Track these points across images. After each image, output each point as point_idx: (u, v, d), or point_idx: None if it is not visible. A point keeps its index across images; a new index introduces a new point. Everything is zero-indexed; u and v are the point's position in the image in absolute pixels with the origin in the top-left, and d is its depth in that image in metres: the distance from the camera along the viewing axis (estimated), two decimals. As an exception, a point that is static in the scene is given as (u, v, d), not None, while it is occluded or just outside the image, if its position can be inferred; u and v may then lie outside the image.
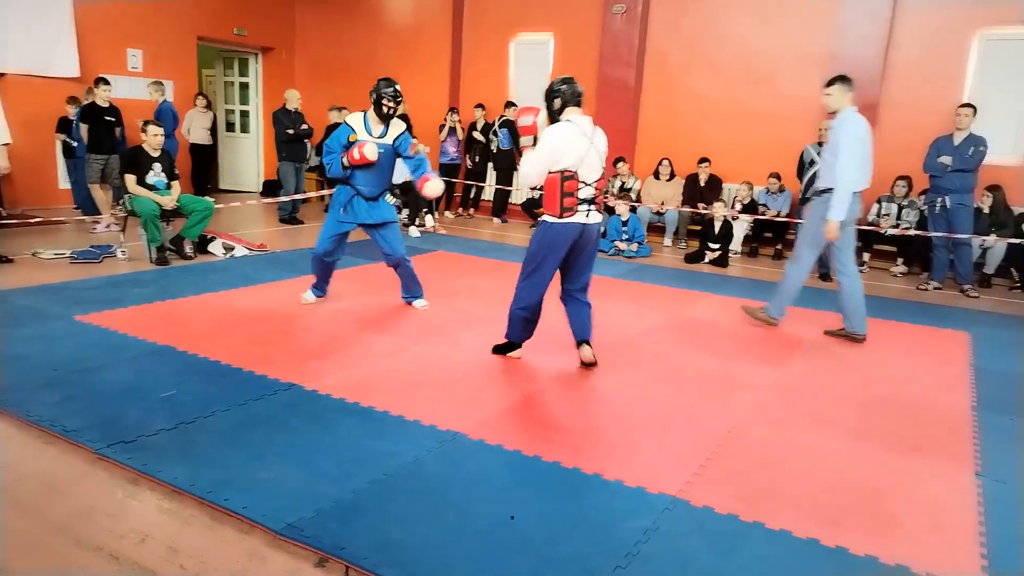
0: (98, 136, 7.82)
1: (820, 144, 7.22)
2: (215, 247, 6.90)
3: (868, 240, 8.06)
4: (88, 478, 2.70)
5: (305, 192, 9.64)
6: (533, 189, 9.92)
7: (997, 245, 7.29)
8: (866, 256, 8.18)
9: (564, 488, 2.77)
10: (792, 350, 4.80)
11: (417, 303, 5.34)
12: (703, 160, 8.88)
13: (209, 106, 11.00)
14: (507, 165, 10.37)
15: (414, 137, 5.40)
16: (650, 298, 6.09)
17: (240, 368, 3.84)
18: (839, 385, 4.16)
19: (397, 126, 4.97)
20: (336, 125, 10.25)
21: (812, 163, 7.22)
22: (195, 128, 10.51)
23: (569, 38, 10.19)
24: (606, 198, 9.03)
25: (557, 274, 4.06)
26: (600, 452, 3.08)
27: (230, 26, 11.31)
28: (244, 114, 12.41)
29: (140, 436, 2.98)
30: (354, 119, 4.97)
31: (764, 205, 8.50)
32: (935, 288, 7.17)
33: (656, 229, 9.23)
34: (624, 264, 7.77)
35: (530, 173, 3.84)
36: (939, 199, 6.98)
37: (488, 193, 10.81)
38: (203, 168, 10.93)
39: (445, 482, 2.76)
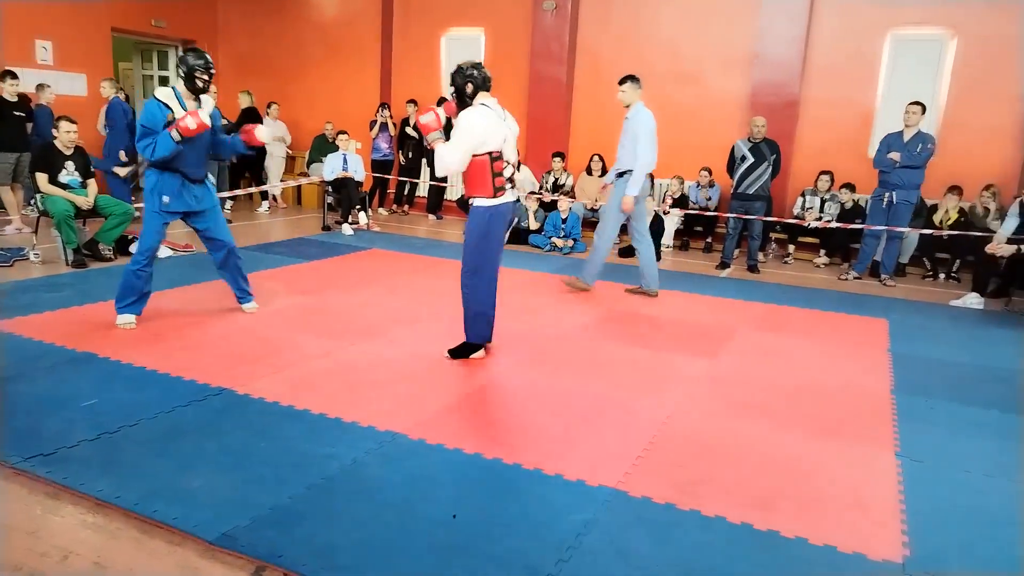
0: (7, 133, 7.39)
1: (750, 140, 7.43)
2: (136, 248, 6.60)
3: (793, 233, 8.38)
4: (4, 495, 2.55)
5: (232, 191, 9.33)
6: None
7: (911, 235, 7.68)
8: (791, 248, 8.50)
9: (506, 485, 2.77)
10: (721, 341, 4.94)
11: (247, 306, 4.94)
12: (634, 156, 9.03)
13: (127, 99, 10.52)
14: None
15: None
16: (583, 293, 6.16)
17: (167, 374, 3.69)
18: (766, 373, 4.31)
19: (208, 102, 4.58)
20: (250, 110, 10.04)
21: (743, 159, 7.43)
22: None
23: (500, 34, 10.19)
24: (541, 194, 9.10)
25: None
26: (540, 447, 3.10)
27: (147, 17, 10.85)
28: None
29: (60, 448, 2.83)
30: (165, 95, 4.43)
31: (695, 202, 8.71)
32: (855, 278, 7.50)
33: (590, 224, 9.33)
34: (559, 260, 7.84)
35: (453, 161, 3.81)
36: (886, 194, 7.17)
37: (422, 189, 10.72)
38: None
39: (385, 483, 2.72)
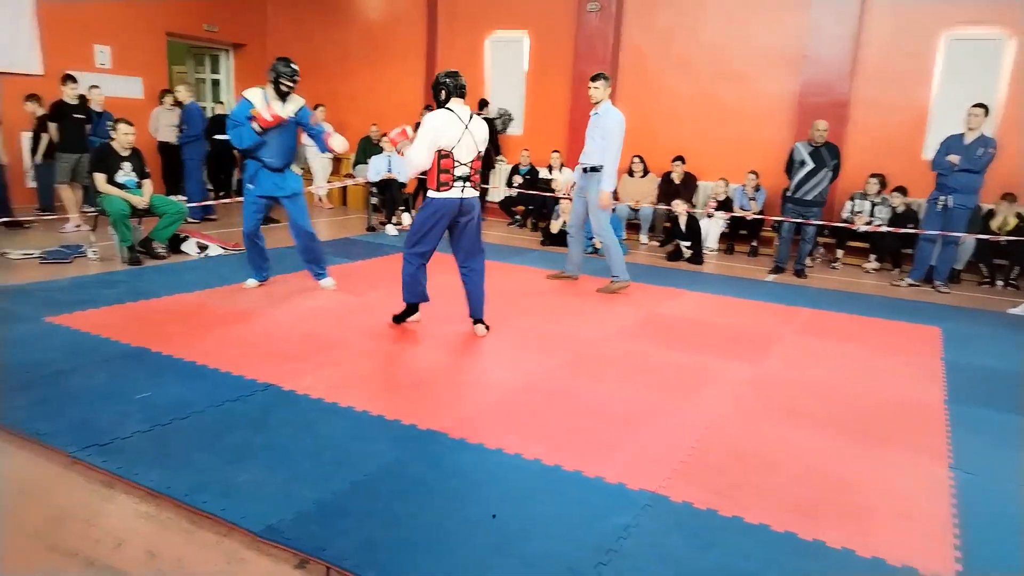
0: (68, 135, 7.67)
1: (811, 143, 7.27)
2: (188, 246, 6.80)
3: (841, 237, 8.19)
4: (62, 482, 2.65)
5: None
6: (509, 187, 9.94)
7: (967, 241, 7.44)
8: (839, 253, 8.31)
9: (545, 486, 2.77)
10: (765, 346, 4.86)
11: (323, 282, 5.63)
12: (677, 158, 8.94)
13: (178, 104, 10.83)
14: (484, 163, 10.34)
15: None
16: (625, 295, 6.12)
17: (216, 369, 3.79)
18: (812, 380, 4.22)
19: (295, 101, 5.30)
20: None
21: (803, 163, 7.27)
22: (162, 127, 10.32)
23: (544, 36, 10.20)
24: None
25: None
26: (580, 450, 3.09)
27: (200, 22, 11.15)
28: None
29: (115, 439, 2.93)
30: (253, 95, 5.19)
31: (740, 207, 8.57)
32: (910, 285, 7.29)
33: (632, 226, 9.28)
34: (600, 261, 7.79)
35: (418, 157, 4.24)
36: (943, 198, 6.95)
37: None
38: (173, 167, 10.74)
39: (426, 482, 2.75)
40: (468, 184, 4.37)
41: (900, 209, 7.89)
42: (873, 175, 8.03)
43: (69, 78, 7.81)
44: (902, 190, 7.94)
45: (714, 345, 4.81)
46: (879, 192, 8.02)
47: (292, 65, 5.21)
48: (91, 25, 9.69)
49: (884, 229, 7.71)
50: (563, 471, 2.88)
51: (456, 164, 4.27)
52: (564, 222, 8.60)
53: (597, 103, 6.08)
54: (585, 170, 6.20)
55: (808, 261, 7.92)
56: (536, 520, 2.51)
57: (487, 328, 4.71)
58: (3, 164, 7.45)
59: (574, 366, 4.20)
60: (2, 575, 2.12)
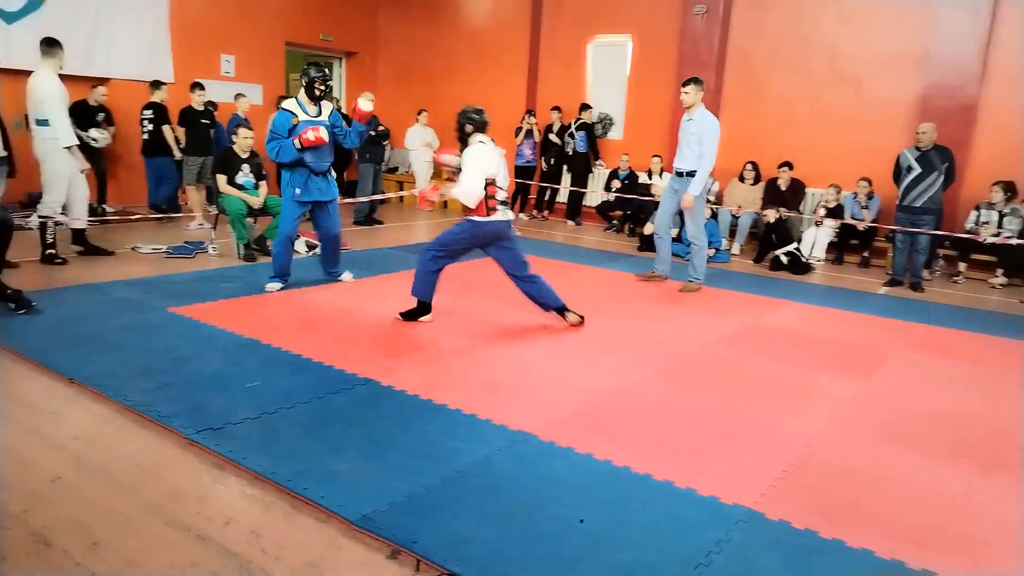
0: (195, 138, 8.23)
1: (917, 148, 6.89)
2: (299, 245, 7.14)
3: (965, 249, 7.64)
4: (179, 461, 2.85)
5: (384, 192, 9.86)
6: (607, 192, 9.87)
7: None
8: (962, 266, 7.76)
9: (635, 494, 2.74)
10: (874, 362, 4.60)
11: (343, 277, 5.93)
12: (784, 164, 8.61)
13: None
14: (582, 168, 10.35)
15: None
16: (726, 304, 5.95)
17: (320, 362, 3.97)
18: (925, 400, 3.97)
19: (327, 105, 5.55)
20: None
21: (910, 169, 6.90)
22: None
23: (648, 40, 10.08)
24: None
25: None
26: (672, 459, 3.04)
27: (316, 31, 11.69)
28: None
29: (227, 424, 3.12)
30: (290, 104, 5.46)
31: (852, 215, 8.16)
32: (1041, 301, 6.74)
33: (731, 234, 9.00)
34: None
35: (475, 188, 4.49)
36: None
37: (562, 195, 10.79)
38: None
39: (515, 482, 2.77)
40: (506, 207, 4.71)
41: (1033, 220, 7.29)
42: (996, 183, 7.44)
43: (197, 85, 8.37)
44: (1035, 199, 7.33)
45: (818, 359, 4.61)
46: (1007, 201, 7.43)
47: (325, 70, 5.48)
48: (219, 36, 10.35)
49: (1014, 241, 7.15)
50: (653, 480, 2.84)
51: (498, 190, 4.59)
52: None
53: (689, 107, 6.15)
54: (680, 174, 6.28)
55: (926, 274, 7.46)
56: (625, 528, 2.49)
57: (581, 317, 4.94)
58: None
59: (669, 374, 4.13)
60: (122, 546, 2.30)
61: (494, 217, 4.61)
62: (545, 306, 4.92)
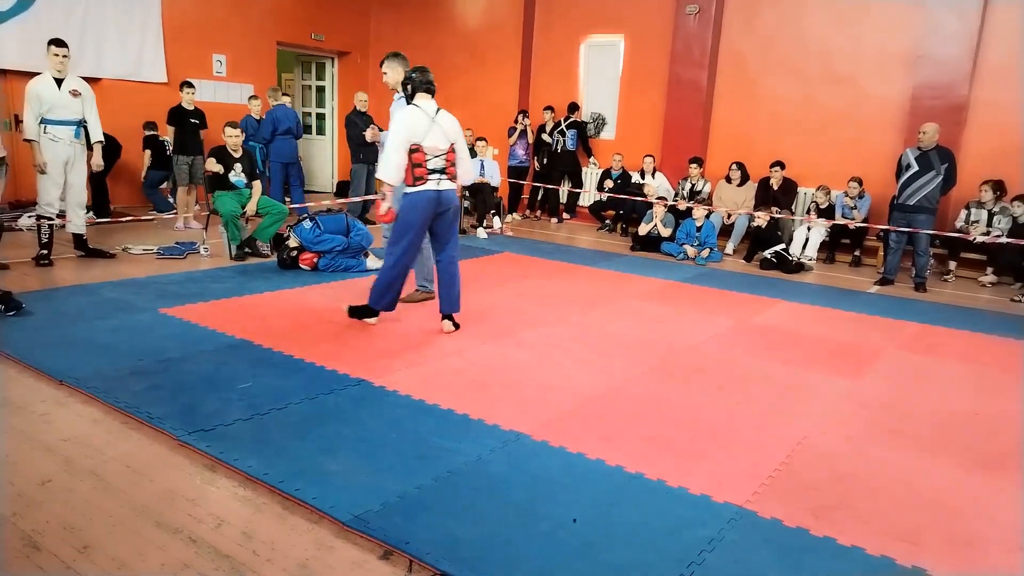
0: (184, 138, 8.20)
1: (919, 148, 6.91)
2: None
3: (955, 248, 7.69)
4: (170, 463, 2.83)
5: (377, 192, 9.82)
6: (600, 191, 9.88)
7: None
8: (952, 264, 7.81)
9: (627, 493, 2.75)
10: (866, 361, 4.62)
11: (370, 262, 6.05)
12: (775, 164, 8.64)
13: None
14: (570, 167, 10.40)
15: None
16: (717, 303, 5.97)
17: (312, 363, 3.96)
18: (916, 397, 3.99)
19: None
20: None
21: (908, 167, 6.93)
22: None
23: (640, 40, 10.09)
24: (675, 201, 8.92)
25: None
26: (664, 458, 3.04)
27: (308, 31, 11.66)
28: (320, 116, 12.78)
29: (218, 425, 3.11)
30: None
31: (842, 215, 8.19)
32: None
33: (725, 232, 9.03)
34: (691, 269, 7.64)
35: (392, 159, 4.29)
36: None
37: (563, 196, 10.77)
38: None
39: (508, 481, 2.77)
40: (444, 177, 4.42)
41: (1022, 219, 7.33)
42: (986, 182, 7.48)
43: (187, 84, 8.34)
44: (1024, 199, 7.38)
45: (810, 357, 4.63)
46: (996, 200, 7.48)
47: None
48: (210, 35, 10.31)
49: (1003, 240, 7.19)
50: (645, 479, 2.85)
51: (429, 157, 4.34)
52: (654, 224, 8.49)
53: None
54: None
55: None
56: (617, 527, 2.49)
57: (456, 326, 4.67)
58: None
59: (661, 373, 4.14)
60: (114, 548, 2.29)
61: (423, 187, 4.33)
62: (442, 308, 4.67)
